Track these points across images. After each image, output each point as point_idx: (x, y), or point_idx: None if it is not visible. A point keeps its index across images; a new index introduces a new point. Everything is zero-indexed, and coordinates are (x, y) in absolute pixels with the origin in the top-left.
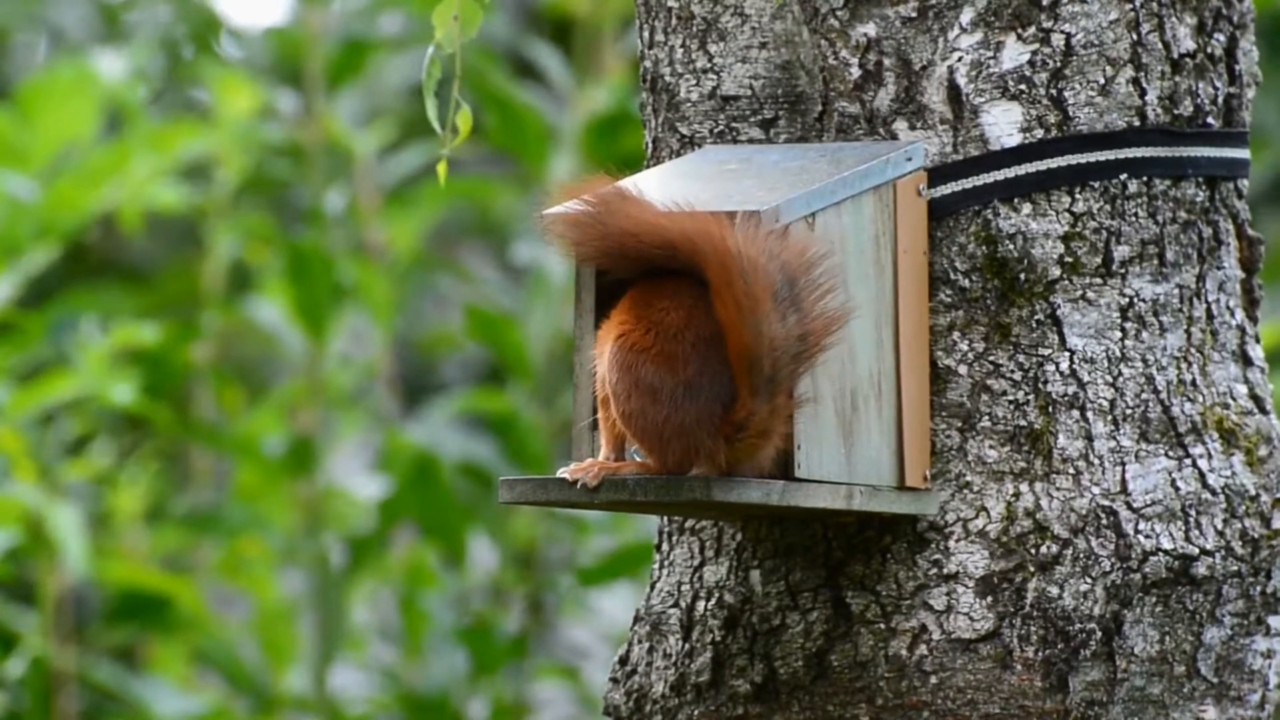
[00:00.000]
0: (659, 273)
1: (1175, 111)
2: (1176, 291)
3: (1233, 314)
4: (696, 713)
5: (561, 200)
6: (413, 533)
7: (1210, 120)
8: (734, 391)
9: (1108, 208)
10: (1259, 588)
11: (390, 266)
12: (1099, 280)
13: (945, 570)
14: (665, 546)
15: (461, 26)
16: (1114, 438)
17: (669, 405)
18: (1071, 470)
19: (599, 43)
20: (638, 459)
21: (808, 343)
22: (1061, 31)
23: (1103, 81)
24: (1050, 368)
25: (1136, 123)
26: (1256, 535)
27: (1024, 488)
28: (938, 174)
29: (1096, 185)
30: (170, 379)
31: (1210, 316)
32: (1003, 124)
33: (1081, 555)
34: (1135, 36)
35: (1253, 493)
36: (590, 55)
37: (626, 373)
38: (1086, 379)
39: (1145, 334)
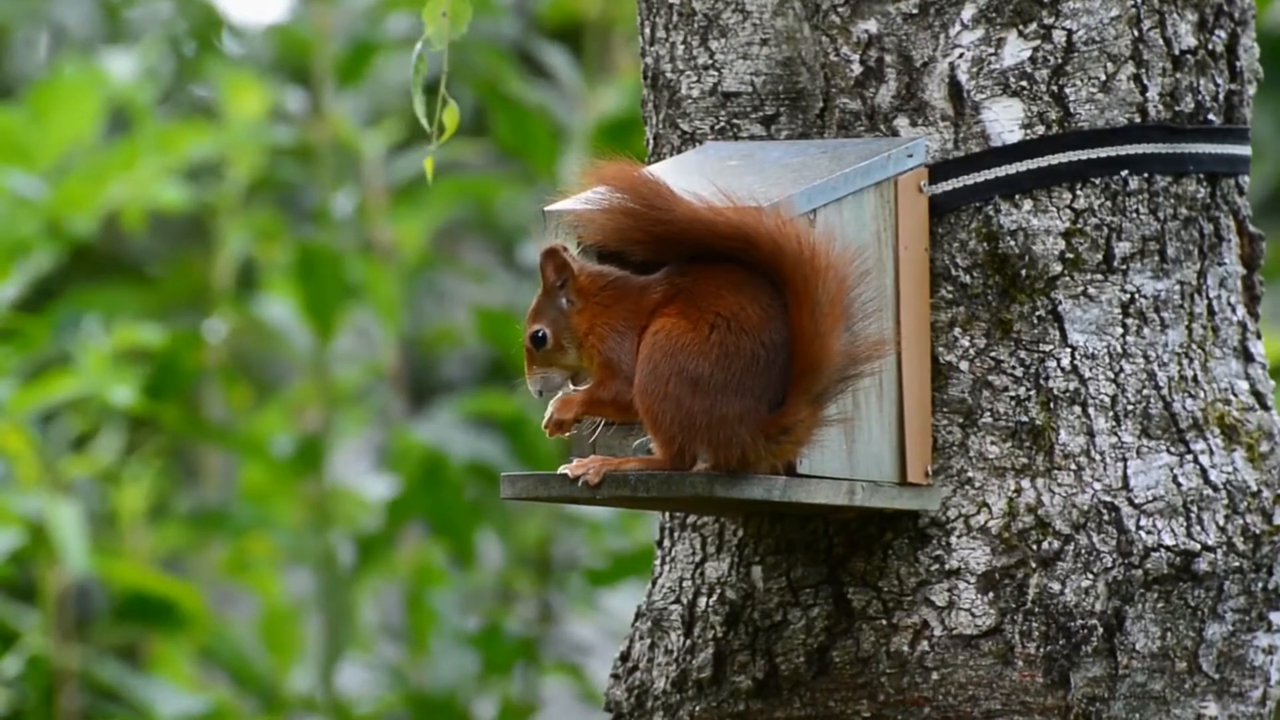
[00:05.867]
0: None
1: (1176, 108)
2: (1177, 288)
3: (1234, 310)
4: (698, 709)
5: (586, 187)
6: (420, 532)
7: (1211, 117)
8: (780, 395)
9: (1109, 204)
10: (1260, 584)
11: (398, 265)
12: (1100, 276)
13: (947, 566)
14: (667, 543)
15: (451, 23)
16: (1115, 434)
17: (711, 397)
18: (1073, 466)
19: (610, 45)
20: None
21: (855, 363)
22: (1063, 28)
23: (1104, 78)
24: (1051, 364)
25: (1137, 119)
26: (1258, 531)
27: (1025, 484)
28: (939, 170)
29: (1097, 182)
30: (178, 377)
31: (1211, 312)
32: (1004, 120)
33: (1083, 551)
34: (1136, 33)
35: (1254, 489)
36: (601, 57)
37: (670, 359)
38: (1088, 375)
39: (1146, 330)
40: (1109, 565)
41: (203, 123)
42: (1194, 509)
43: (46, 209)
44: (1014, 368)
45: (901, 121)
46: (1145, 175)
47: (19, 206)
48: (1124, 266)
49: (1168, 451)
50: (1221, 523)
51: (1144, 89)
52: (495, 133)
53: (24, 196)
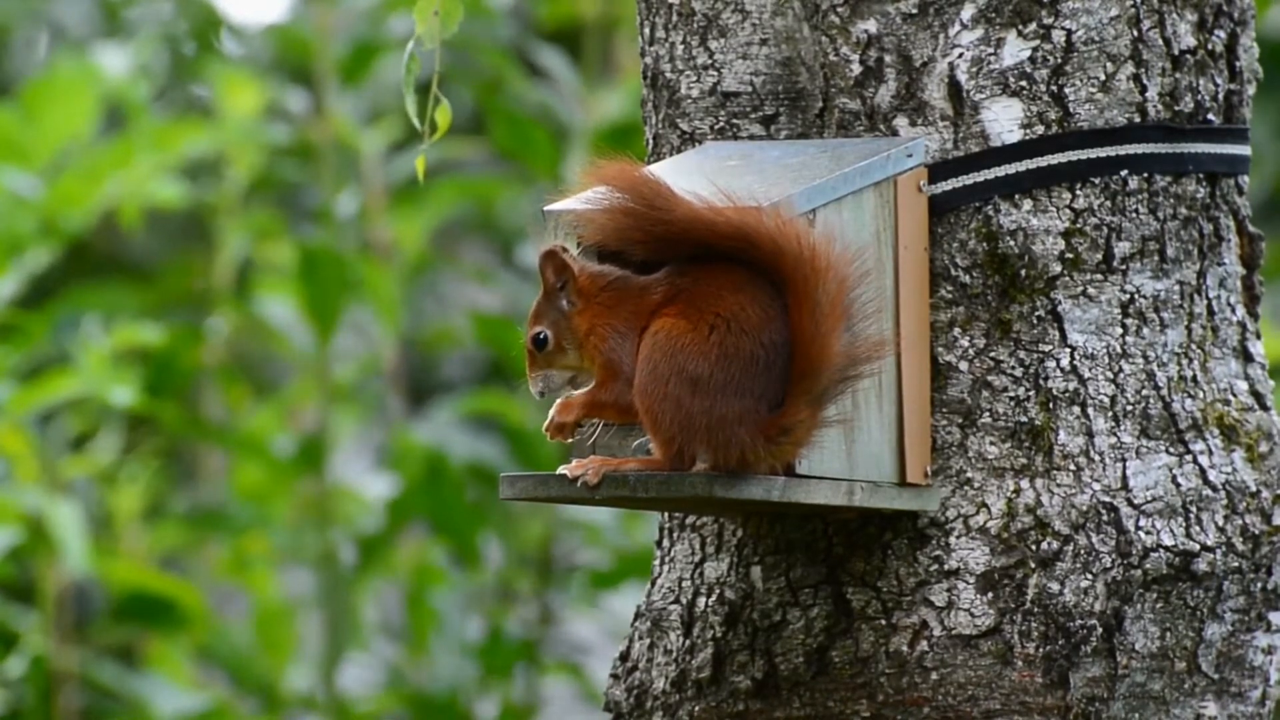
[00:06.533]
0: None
1: (1176, 108)
2: (1177, 288)
3: (1233, 310)
4: (697, 709)
5: (586, 187)
6: (421, 532)
7: (1211, 117)
8: (779, 396)
9: (1108, 204)
10: (1260, 584)
11: (397, 265)
12: (1100, 276)
13: (946, 566)
14: (666, 543)
15: (442, 22)
16: (1115, 434)
17: (711, 397)
18: (1072, 466)
19: (612, 47)
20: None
21: (855, 364)
22: (1062, 28)
23: (1103, 78)
24: (1051, 364)
25: (1137, 119)
26: (1257, 531)
27: (1025, 484)
28: (938, 170)
29: (1097, 182)
30: (177, 377)
31: (1211, 313)
32: (1003, 120)
33: (1082, 551)
34: (1136, 33)
35: (1253, 489)
36: (602, 60)
37: (670, 359)
38: (1087, 375)
39: (1146, 330)
40: (1108, 565)
41: (198, 120)
42: (1193, 509)
43: (42, 207)
44: (1013, 368)
45: (901, 121)
46: (1145, 175)
47: (15, 204)
48: (1123, 266)
49: (1167, 452)
50: (1221, 523)
51: (1143, 89)
52: (493, 136)
53: (20, 194)
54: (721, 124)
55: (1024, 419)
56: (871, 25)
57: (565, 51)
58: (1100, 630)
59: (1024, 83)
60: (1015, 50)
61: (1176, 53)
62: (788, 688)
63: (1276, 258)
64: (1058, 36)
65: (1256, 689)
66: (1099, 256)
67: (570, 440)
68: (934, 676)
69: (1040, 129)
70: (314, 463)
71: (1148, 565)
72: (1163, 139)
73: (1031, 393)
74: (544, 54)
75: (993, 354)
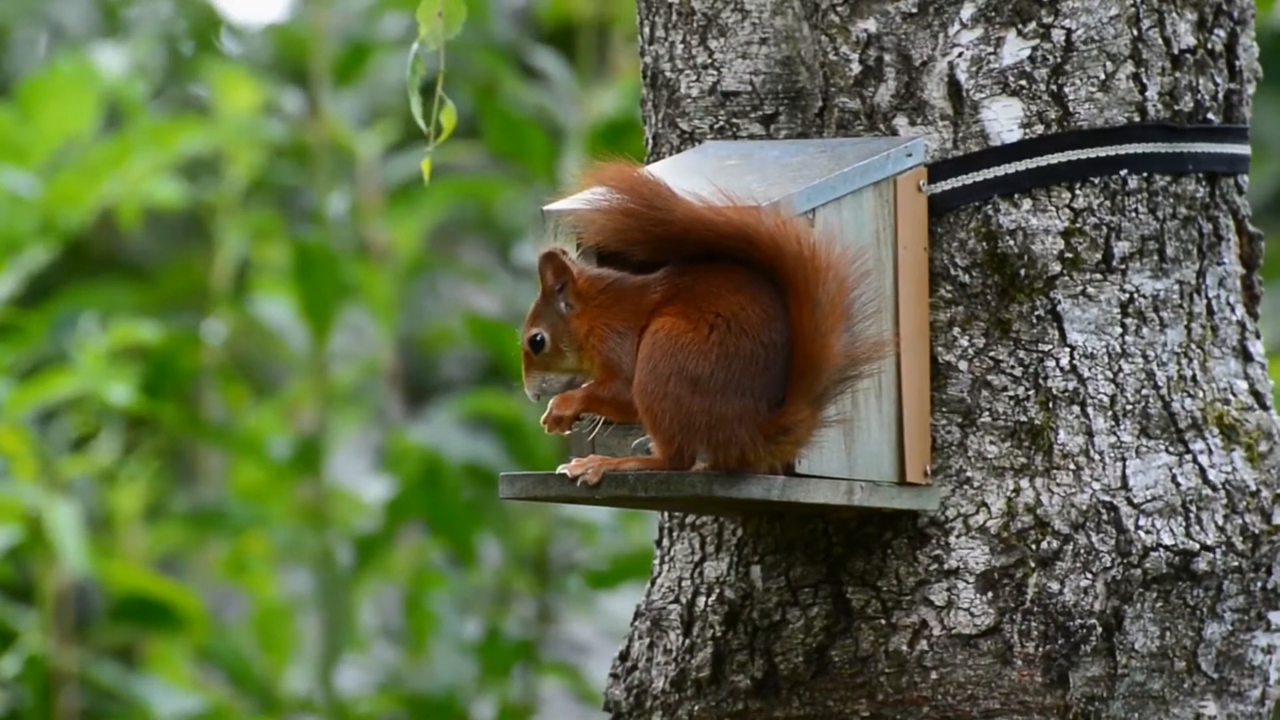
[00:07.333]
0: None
1: (1175, 107)
2: (1177, 287)
3: (1233, 310)
4: (697, 708)
5: (586, 187)
6: (419, 533)
7: (1211, 116)
8: (779, 395)
9: (1108, 204)
10: (1259, 583)
11: (393, 266)
12: (1099, 276)
13: (946, 566)
14: (666, 542)
15: (446, 23)
16: (1114, 433)
17: (711, 397)
18: (1072, 466)
19: (607, 45)
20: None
21: (855, 364)
22: (1062, 27)
23: (1103, 77)
24: (1051, 363)
25: (1137, 119)
26: (1257, 531)
27: (1024, 483)
28: (938, 170)
29: (1097, 181)
30: (176, 376)
31: (1210, 312)
32: (1003, 120)
33: (1082, 551)
34: (1136, 32)
35: (1253, 488)
36: (597, 59)
37: (670, 358)
38: (1087, 375)
39: (1146, 330)
40: (1108, 565)
41: (196, 119)
42: (1193, 509)
43: (41, 205)
44: (1013, 367)
45: (901, 121)
46: (1144, 175)
47: (13, 203)
48: (1123, 266)
49: (1166, 451)
50: (1220, 522)
51: (1143, 88)
52: (488, 138)
53: (18, 193)
54: (721, 123)
55: (1024, 418)
56: (871, 24)
57: (560, 51)
58: (1100, 630)
59: (1024, 82)
60: (1015, 49)
61: (1176, 52)
62: (787, 687)
63: (1276, 257)
64: (1057, 36)
65: (1256, 688)
66: (1098, 256)
67: (567, 433)
68: (934, 676)
69: (1040, 128)
70: (312, 464)
71: (1147, 565)
72: (1162, 138)
73: (1031, 392)
74: (539, 54)
75: (992, 353)
